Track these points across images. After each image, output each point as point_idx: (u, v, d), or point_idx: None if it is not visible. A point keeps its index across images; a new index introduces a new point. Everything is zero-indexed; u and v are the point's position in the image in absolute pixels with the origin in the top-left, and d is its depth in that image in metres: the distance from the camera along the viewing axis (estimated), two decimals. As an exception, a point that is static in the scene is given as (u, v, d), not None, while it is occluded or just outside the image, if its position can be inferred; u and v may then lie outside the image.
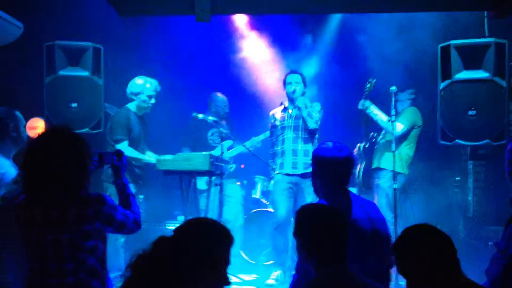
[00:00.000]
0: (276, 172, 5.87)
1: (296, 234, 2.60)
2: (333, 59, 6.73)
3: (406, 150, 5.80)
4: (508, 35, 5.05)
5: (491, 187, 5.66)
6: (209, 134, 6.59)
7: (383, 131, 5.89)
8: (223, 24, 6.57)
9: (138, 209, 3.04)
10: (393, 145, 5.39)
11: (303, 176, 5.66)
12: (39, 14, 5.76)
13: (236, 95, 6.84)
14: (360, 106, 5.64)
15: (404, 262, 2.34)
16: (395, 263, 2.40)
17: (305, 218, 2.59)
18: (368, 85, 5.54)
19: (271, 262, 6.32)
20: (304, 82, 5.88)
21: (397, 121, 5.57)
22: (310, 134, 5.77)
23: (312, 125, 5.69)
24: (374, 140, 6.01)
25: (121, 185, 3.08)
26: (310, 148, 5.68)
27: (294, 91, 5.75)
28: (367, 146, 5.93)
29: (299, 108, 5.73)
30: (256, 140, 6.44)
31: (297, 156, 5.74)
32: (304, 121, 5.71)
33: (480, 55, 4.84)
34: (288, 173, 5.74)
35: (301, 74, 5.91)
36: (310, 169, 5.55)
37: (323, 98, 6.37)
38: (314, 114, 5.72)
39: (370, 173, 5.97)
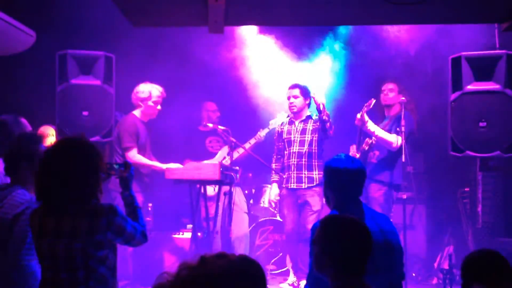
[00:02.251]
0: (283, 185, 5.96)
1: (318, 241, 2.57)
2: (343, 68, 6.74)
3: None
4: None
5: (500, 198, 5.65)
6: (207, 142, 6.67)
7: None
8: (231, 34, 6.59)
9: (144, 222, 3.04)
10: (403, 156, 5.41)
11: (307, 188, 5.79)
12: (51, 23, 5.80)
13: (241, 105, 6.87)
14: (358, 117, 5.58)
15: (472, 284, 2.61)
16: (462, 285, 2.66)
17: (330, 227, 2.57)
18: (367, 104, 5.53)
19: (279, 270, 6.36)
20: (303, 95, 5.91)
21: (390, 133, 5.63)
22: (316, 147, 5.83)
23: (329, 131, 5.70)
24: (368, 149, 5.90)
25: (128, 197, 3.07)
26: (314, 162, 5.81)
27: (292, 108, 5.86)
28: (358, 156, 5.87)
29: (302, 120, 5.84)
30: (252, 142, 6.45)
31: (301, 171, 5.80)
32: (321, 132, 5.76)
33: (491, 67, 4.82)
34: (294, 187, 5.83)
35: (300, 87, 5.93)
36: (314, 183, 5.68)
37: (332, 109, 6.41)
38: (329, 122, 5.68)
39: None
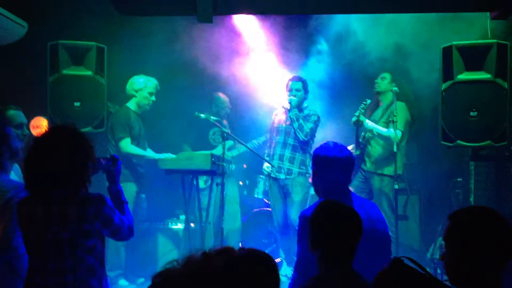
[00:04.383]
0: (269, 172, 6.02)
1: (311, 225, 2.59)
2: (333, 62, 6.74)
3: (403, 150, 5.88)
4: (510, 37, 5.04)
5: (492, 187, 5.65)
6: (210, 133, 6.63)
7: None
8: (226, 23, 6.57)
9: (132, 217, 3.02)
10: (395, 146, 5.44)
11: (286, 179, 5.83)
12: (43, 13, 5.77)
13: (236, 95, 6.82)
14: (354, 119, 5.65)
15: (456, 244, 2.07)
16: (445, 246, 2.12)
17: (322, 212, 2.59)
18: (363, 106, 5.64)
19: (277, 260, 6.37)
20: (305, 89, 5.95)
21: (390, 127, 5.65)
22: (300, 143, 5.85)
23: (301, 137, 5.80)
24: (365, 143, 6.01)
25: (115, 192, 3.05)
26: (297, 156, 5.84)
27: (290, 101, 5.83)
28: (358, 153, 5.95)
29: (291, 119, 5.80)
30: (256, 142, 6.51)
31: (282, 161, 5.83)
32: (295, 133, 5.81)
33: (482, 56, 4.80)
34: (274, 177, 5.90)
35: (303, 81, 5.96)
36: (293, 176, 5.69)
37: (323, 103, 6.42)
38: (305, 127, 5.78)
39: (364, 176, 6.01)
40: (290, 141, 5.87)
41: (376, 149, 5.90)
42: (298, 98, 5.89)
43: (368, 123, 5.76)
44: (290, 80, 5.98)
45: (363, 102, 5.66)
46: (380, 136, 5.79)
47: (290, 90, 5.91)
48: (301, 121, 5.80)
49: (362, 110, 5.64)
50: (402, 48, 5.95)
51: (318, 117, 5.93)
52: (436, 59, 5.07)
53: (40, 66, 5.54)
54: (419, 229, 6.66)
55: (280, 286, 1.91)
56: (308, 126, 5.80)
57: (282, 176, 5.83)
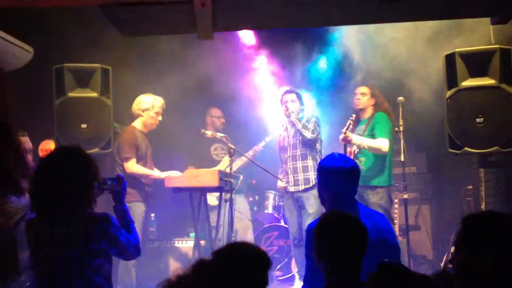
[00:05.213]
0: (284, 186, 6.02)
1: (316, 236, 2.58)
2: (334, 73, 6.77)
3: (392, 158, 5.77)
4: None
5: (503, 194, 5.60)
6: (212, 149, 6.65)
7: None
8: (228, 43, 6.62)
9: (138, 235, 3.04)
10: (402, 156, 5.40)
11: (304, 190, 5.80)
12: (47, 37, 5.82)
13: (238, 113, 6.81)
14: (341, 136, 5.55)
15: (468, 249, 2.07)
16: (455, 250, 2.13)
17: (327, 223, 2.59)
18: (349, 122, 5.57)
19: (285, 276, 6.34)
20: (300, 100, 6.00)
21: (376, 138, 5.59)
22: (309, 148, 5.85)
23: (308, 135, 5.78)
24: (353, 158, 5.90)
25: (121, 211, 3.06)
26: (308, 163, 5.82)
27: (288, 112, 5.88)
28: None
29: (293, 124, 5.82)
30: (257, 149, 6.52)
31: (297, 173, 5.82)
32: (302, 135, 5.79)
33: (486, 62, 4.81)
34: (292, 191, 5.87)
35: (296, 93, 6.03)
36: (311, 184, 5.66)
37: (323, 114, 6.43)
38: (309, 125, 5.80)
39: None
40: (298, 152, 5.88)
41: (364, 162, 5.72)
42: (294, 109, 5.93)
43: (356, 138, 5.63)
44: (283, 93, 6.07)
45: (350, 118, 5.60)
46: (370, 148, 5.63)
47: (286, 102, 5.97)
48: (303, 122, 5.84)
49: (351, 126, 5.57)
50: (402, 62, 5.97)
51: (317, 118, 5.95)
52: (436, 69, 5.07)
53: (46, 90, 5.59)
54: (431, 239, 6.60)
55: (267, 279, 2.07)
56: (311, 124, 5.82)
57: (300, 188, 5.82)
